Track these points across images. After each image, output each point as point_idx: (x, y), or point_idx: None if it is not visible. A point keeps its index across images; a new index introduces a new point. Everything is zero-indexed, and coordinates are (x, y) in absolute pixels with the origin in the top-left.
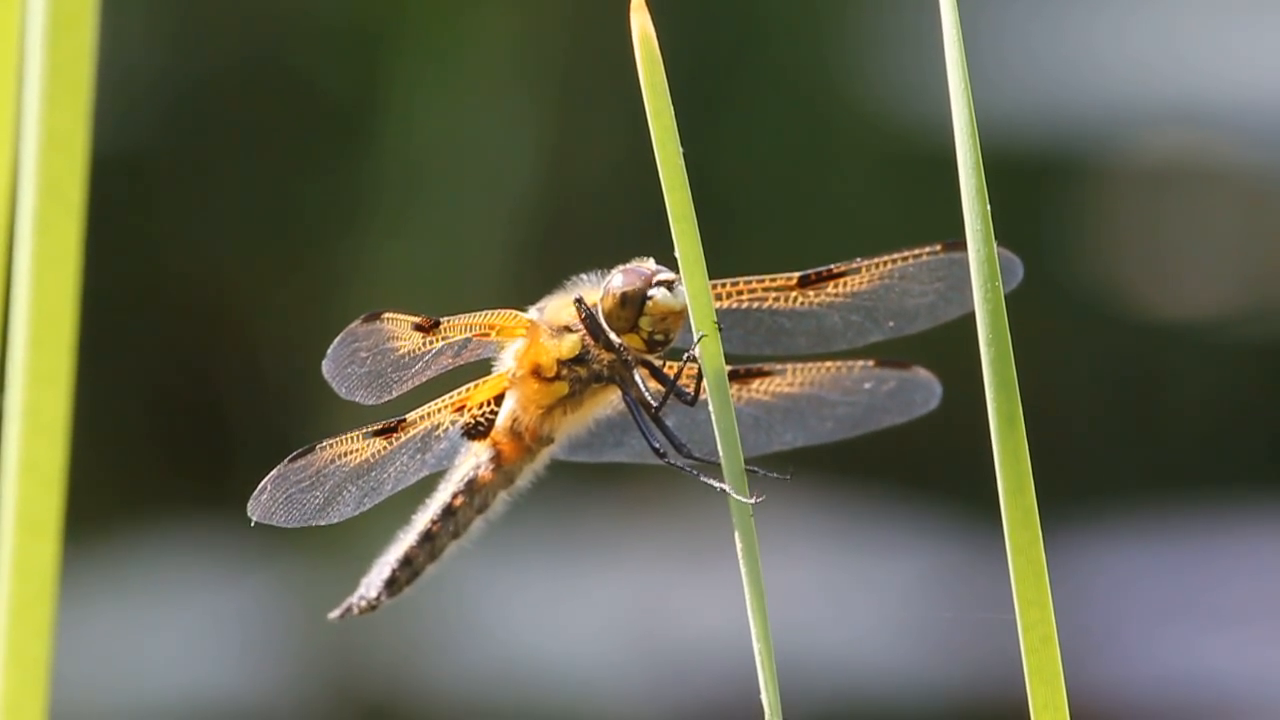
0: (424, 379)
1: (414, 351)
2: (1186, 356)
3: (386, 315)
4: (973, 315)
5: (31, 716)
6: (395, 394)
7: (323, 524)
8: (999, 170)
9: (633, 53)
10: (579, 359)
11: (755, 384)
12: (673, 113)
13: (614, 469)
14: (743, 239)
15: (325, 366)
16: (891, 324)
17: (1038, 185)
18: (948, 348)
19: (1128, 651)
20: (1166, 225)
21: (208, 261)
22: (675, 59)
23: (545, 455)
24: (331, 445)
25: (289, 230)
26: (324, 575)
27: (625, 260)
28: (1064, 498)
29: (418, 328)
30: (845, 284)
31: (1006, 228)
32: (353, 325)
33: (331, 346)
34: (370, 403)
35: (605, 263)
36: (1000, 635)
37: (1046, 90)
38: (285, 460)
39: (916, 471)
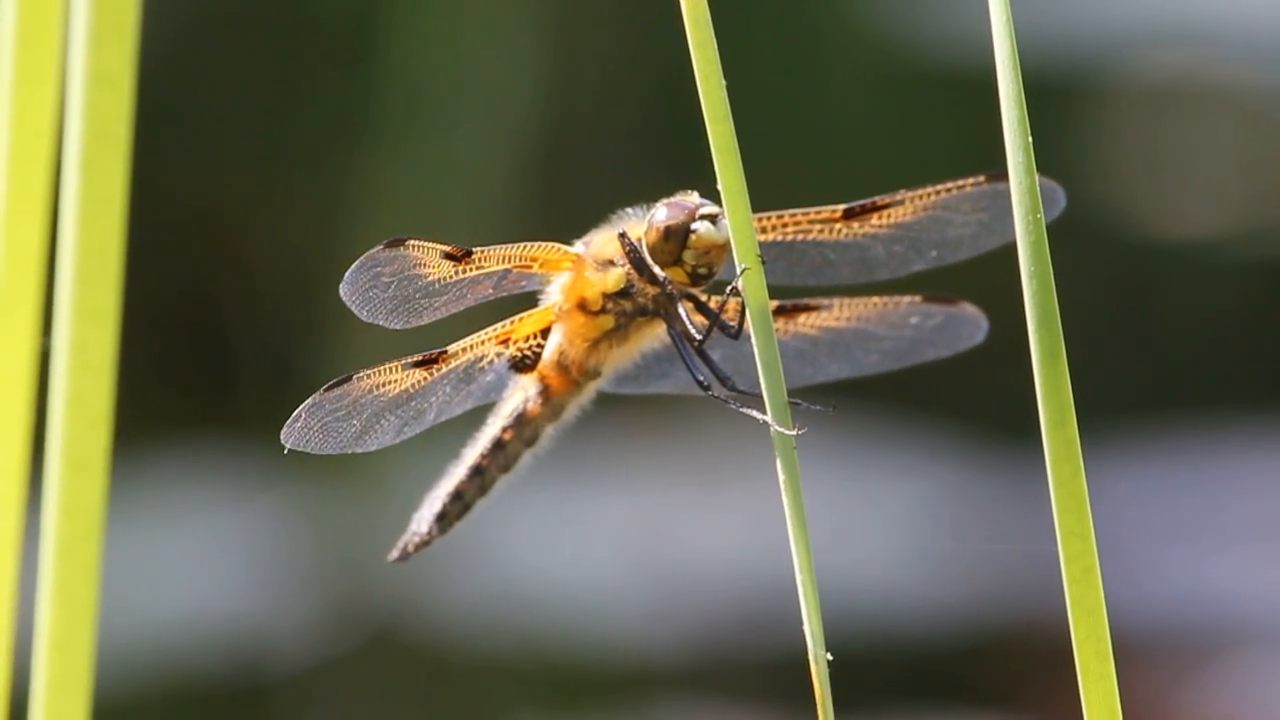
0: (460, 307)
1: (444, 279)
2: (1188, 276)
3: (411, 241)
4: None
5: (79, 654)
6: (427, 320)
7: (360, 451)
8: (997, 90)
9: None
10: (624, 293)
11: (801, 318)
12: (715, 45)
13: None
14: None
15: (343, 289)
16: (934, 253)
17: (1037, 105)
18: (962, 271)
19: (1132, 573)
20: (1167, 145)
21: (209, 183)
22: None
23: (592, 389)
24: (369, 376)
25: (290, 152)
26: (329, 497)
27: (630, 186)
28: None
29: (448, 256)
30: (889, 215)
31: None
32: (373, 250)
33: (350, 270)
34: (397, 327)
35: (604, 183)
36: (1006, 558)
37: (1046, 9)
38: (321, 389)
39: (920, 392)
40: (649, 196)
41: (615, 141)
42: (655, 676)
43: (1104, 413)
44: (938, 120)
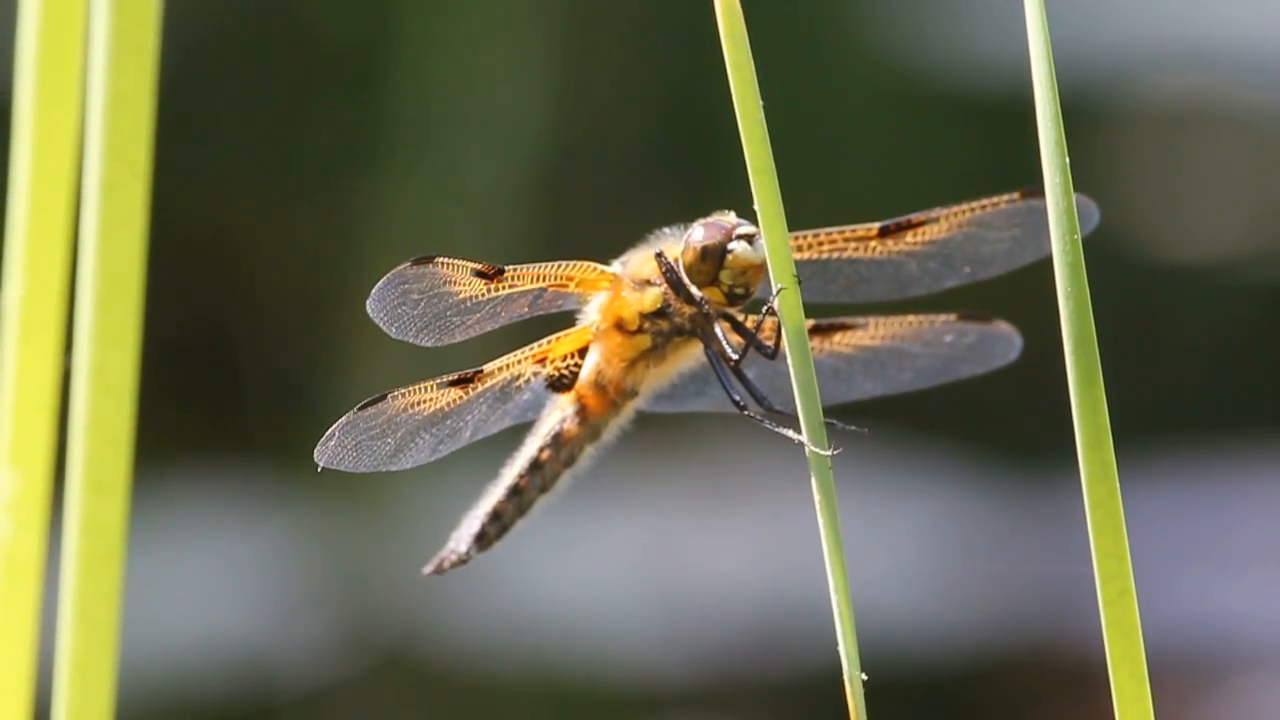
0: (495, 325)
1: (476, 297)
2: (1198, 298)
3: (440, 259)
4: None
5: (101, 676)
6: (459, 338)
7: (394, 469)
8: (1010, 112)
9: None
10: (661, 312)
11: (837, 337)
12: (753, 66)
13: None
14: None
15: (370, 306)
16: (968, 270)
17: None
18: (968, 292)
19: (1143, 596)
20: (1176, 168)
21: (218, 208)
22: None
23: (630, 408)
24: (403, 395)
25: (299, 177)
26: (340, 519)
27: (637, 210)
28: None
29: (479, 274)
30: (924, 233)
31: (1018, 169)
32: (401, 267)
33: (377, 286)
34: (429, 344)
35: (611, 208)
36: (1015, 580)
37: (1058, 32)
38: (355, 408)
39: (930, 415)
40: (655, 221)
41: (622, 166)
42: (665, 698)
43: (1114, 435)
44: (947, 142)
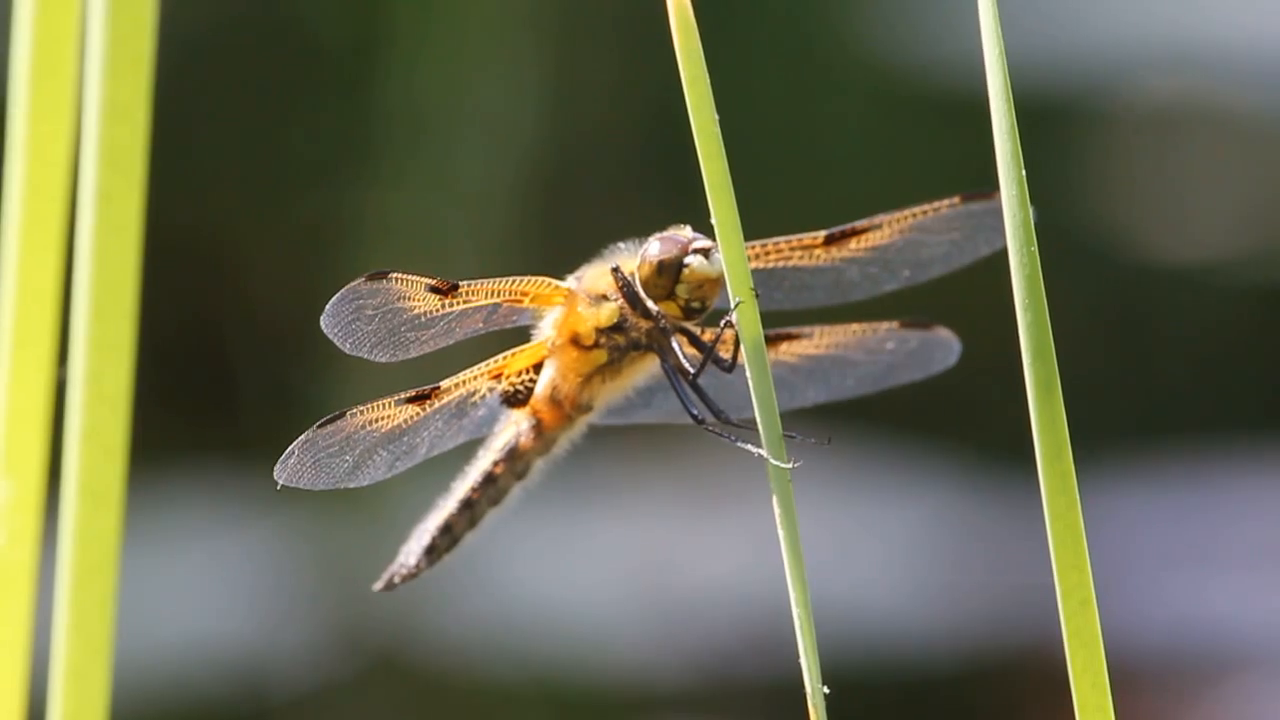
0: (450, 340)
1: (431, 313)
2: (1186, 300)
3: (394, 275)
4: (980, 260)
5: (95, 687)
6: (415, 353)
7: (353, 487)
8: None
9: (664, 12)
10: (617, 327)
11: (783, 347)
12: (708, 80)
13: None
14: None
15: (324, 322)
16: (907, 273)
17: (1037, 127)
18: (951, 295)
19: (1131, 599)
20: (1167, 168)
21: (210, 210)
22: None
23: (583, 423)
24: (362, 412)
25: (291, 179)
26: (331, 522)
27: (630, 211)
28: None
29: (434, 289)
30: (867, 239)
31: None
32: (354, 283)
33: (331, 303)
34: (383, 360)
35: (604, 209)
36: (1005, 584)
37: (1048, 33)
38: (314, 426)
39: (919, 417)
40: (649, 222)
41: (615, 168)
42: (657, 700)
43: (1103, 438)
44: (935, 142)
